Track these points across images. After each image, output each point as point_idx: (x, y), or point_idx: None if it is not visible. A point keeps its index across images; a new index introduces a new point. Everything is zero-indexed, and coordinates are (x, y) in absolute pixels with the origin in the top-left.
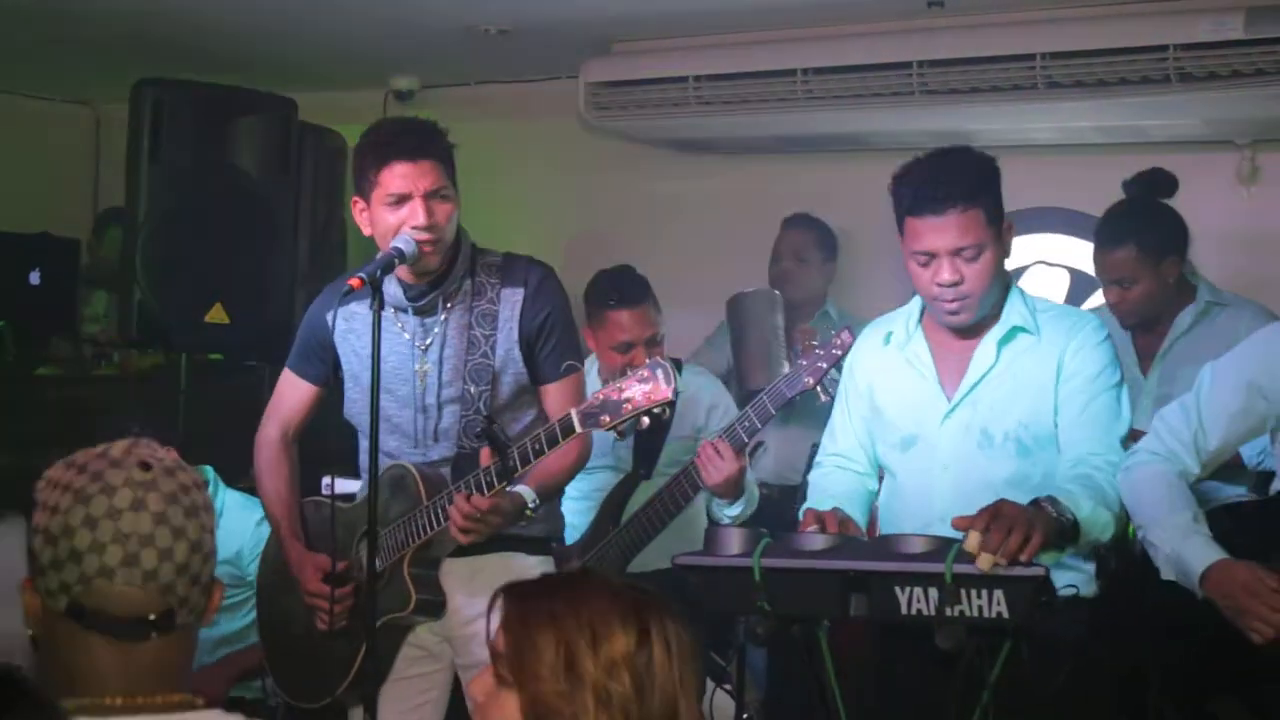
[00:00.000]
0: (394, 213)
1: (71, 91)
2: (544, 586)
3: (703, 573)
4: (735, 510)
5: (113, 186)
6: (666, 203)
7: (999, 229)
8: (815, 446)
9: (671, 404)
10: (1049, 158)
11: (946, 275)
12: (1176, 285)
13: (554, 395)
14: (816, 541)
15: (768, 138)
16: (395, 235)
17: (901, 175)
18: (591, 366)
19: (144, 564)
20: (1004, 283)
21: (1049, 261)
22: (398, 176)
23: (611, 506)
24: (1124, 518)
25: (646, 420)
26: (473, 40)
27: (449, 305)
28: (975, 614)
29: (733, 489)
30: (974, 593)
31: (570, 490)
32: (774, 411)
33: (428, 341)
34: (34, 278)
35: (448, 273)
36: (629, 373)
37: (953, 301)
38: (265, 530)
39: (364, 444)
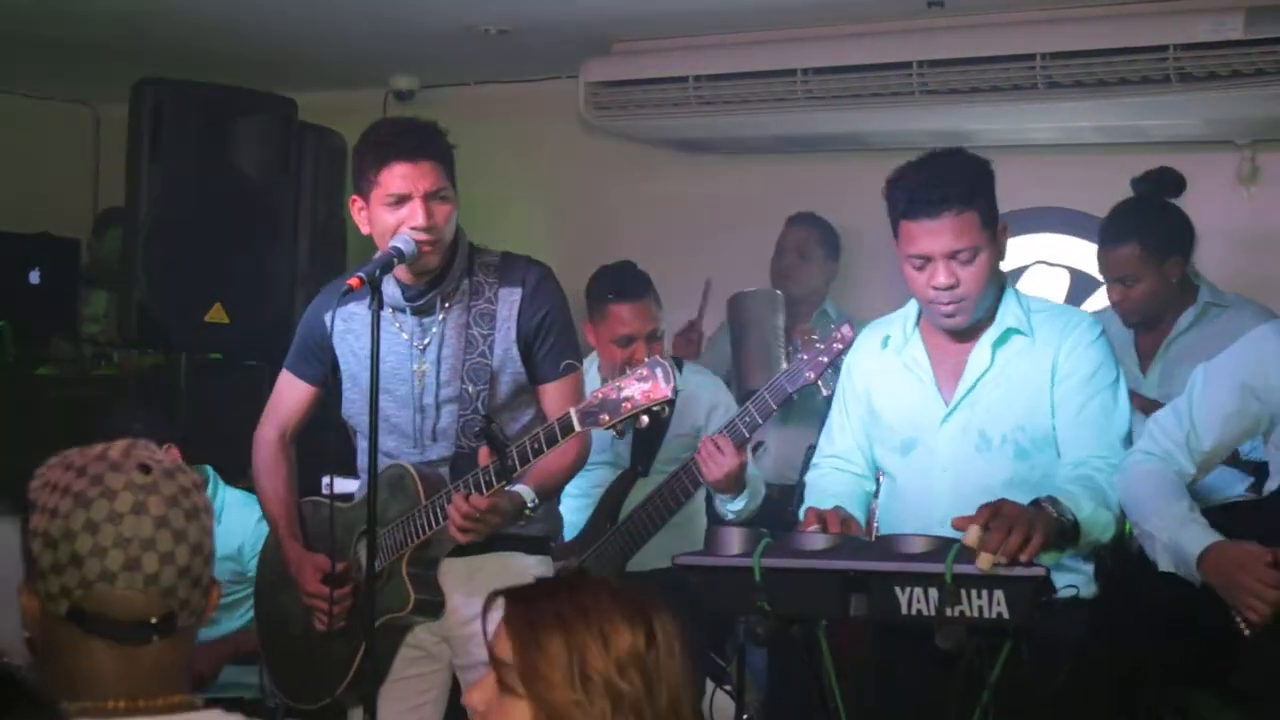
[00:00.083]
0: (393, 213)
1: (71, 91)
2: (545, 590)
3: (703, 573)
4: (738, 505)
5: (113, 186)
6: (666, 203)
7: (994, 231)
8: (811, 449)
9: (671, 402)
10: (1049, 158)
11: (942, 278)
12: (1179, 285)
13: (552, 394)
14: (817, 541)
15: (768, 138)
16: (394, 235)
17: (895, 179)
18: (591, 364)
19: (146, 568)
20: (999, 284)
21: (1049, 261)
22: (397, 177)
23: (609, 504)
24: (1124, 518)
25: (646, 419)
26: (473, 40)
27: (447, 305)
28: (975, 614)
29: (734, 484)
30: (974, 593)
31: (568, 487)
32: (775, 407)
33: (425, 341)
34: (34, 277)
35: (445, 272)
36: (628, 371)
37: (949, 304)
38: (266, 527)
39: (362, 444)
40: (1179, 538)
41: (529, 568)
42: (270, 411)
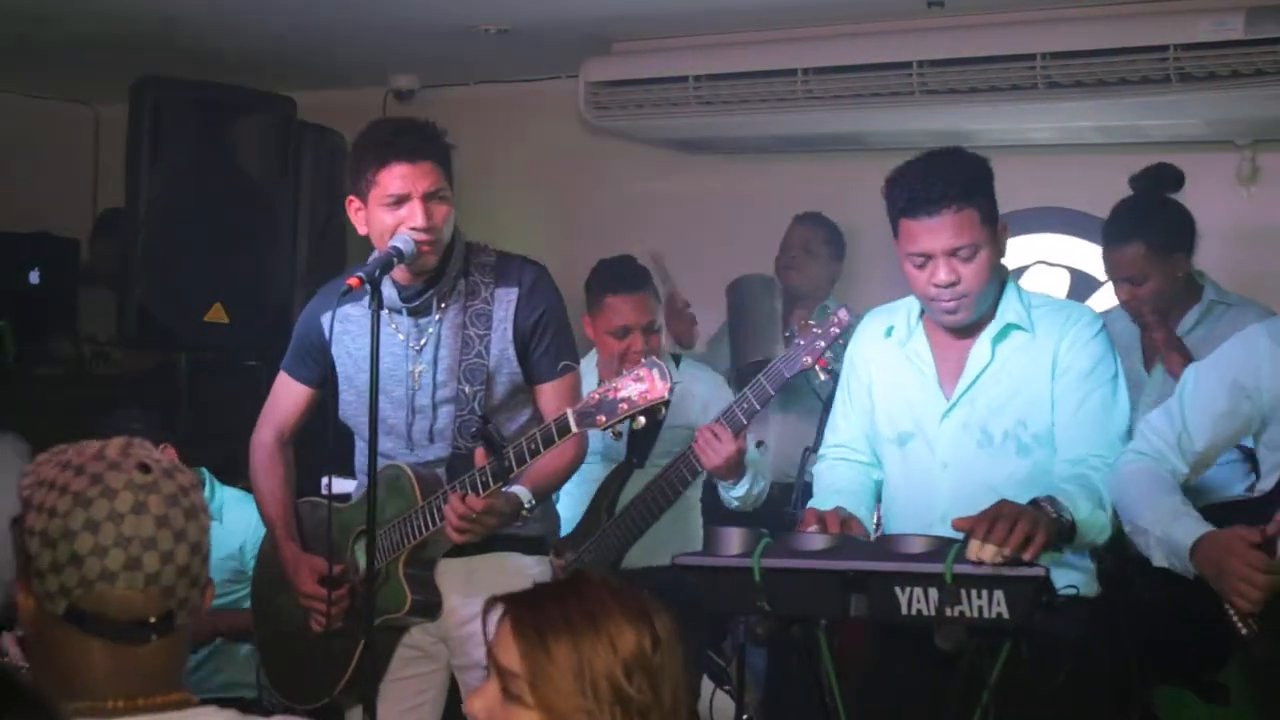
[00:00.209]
0: (392, 213)
1: (71, 91)
2: (549, 595)
3: (703, 573)
4: (740, 491)
5: (112, 186)
6: (666, 202)
7: (994, 229)
8: (808, 450)
9: (667, 403)
10: (1049, 158)
11: (943, 276)
12: (1185, 282)
13: (549, 395)
14: (816, 541)
15: (768, 138)
16: (393, 235)
17: (894, 178)
18: (590, 362)
19: (146, 567)
20: (1001, 281)
21: (1049, 261)
22: (396, 177)
23: (605, 497)
24: (1118, 519)
25: (643, 419)
26: (473, 40)
27: (443, 305)
28: (975, 614)
29: (733, 470)
30: (974, 593)
31: None
32: (773, 392)
33: (422, 342)
34: (33, 277)
35: (442, 273)
36: (624, 372)
37: (950, 301)
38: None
39: (360, 445)
40: (1171, 531)
41: (526, 568)
42: (267, 413)
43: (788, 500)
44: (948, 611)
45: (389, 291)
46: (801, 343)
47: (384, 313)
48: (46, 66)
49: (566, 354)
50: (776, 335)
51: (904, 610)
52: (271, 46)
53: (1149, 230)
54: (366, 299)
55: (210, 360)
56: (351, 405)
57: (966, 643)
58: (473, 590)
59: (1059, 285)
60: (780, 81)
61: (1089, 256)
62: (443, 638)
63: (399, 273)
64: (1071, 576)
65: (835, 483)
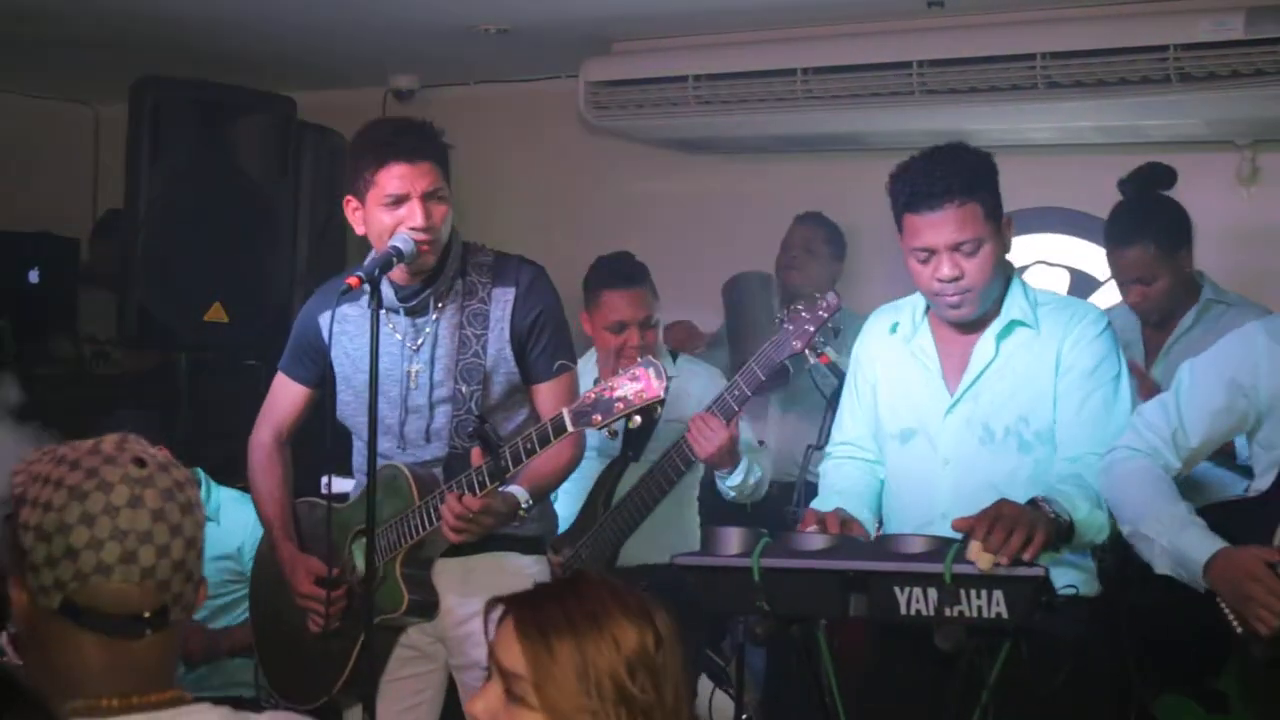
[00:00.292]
0: (391, 213)
1: (71, 91)
2: (550, 595)
3: (702, 573)
4: (735, 480)
5: (112, 186)
6: (666, 202)
7: (998, 224)
8: (810, 448)
9: (662, 401)
10: (1049, 158)
11: (946, 270)
12: (1188, 280)
13: (546, 395)
14: (816, 541)
15: (768, 137)
16: (391, 235)
17: (898, 173)
18: (588, 361)
19: (142, 561)
20: (1005, 277)
21: (1049, 261)
22: (395, 177)
23: (601, 492)
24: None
25: (638, 419)
26: (473, 39)
27: (440, 305)
28: (975, 614)
29: (727, 458)
30: (973, 593)
31: None
32: (763, 377)
33: (419, 342)
34: (33, 277)
35: (439, 272)
36: (620, 372)
37: (954, 296)
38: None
39: (357, 445)
40: (1179, 542)
41: (524, 568)
42: (265, 414)
43: (788, 499)
44: (947, 611)
45: (386, 291)
46: (790, 327)
47: (381, 312)
48: (46, 66)
49: (564, 354)
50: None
51: (903, 610)
52: (271, 46)
53: (1155, 229)
54: (364, 299)
55: (210, 360)
56: (349, 405)
57: (966, 643)
58: (470, 590)
59: (1059, 285)
60: (780, 81)
61: (1089, 256)
62: (440, 637)
63: (397, 273)
64: (1072, 576)
65: (839, 483)
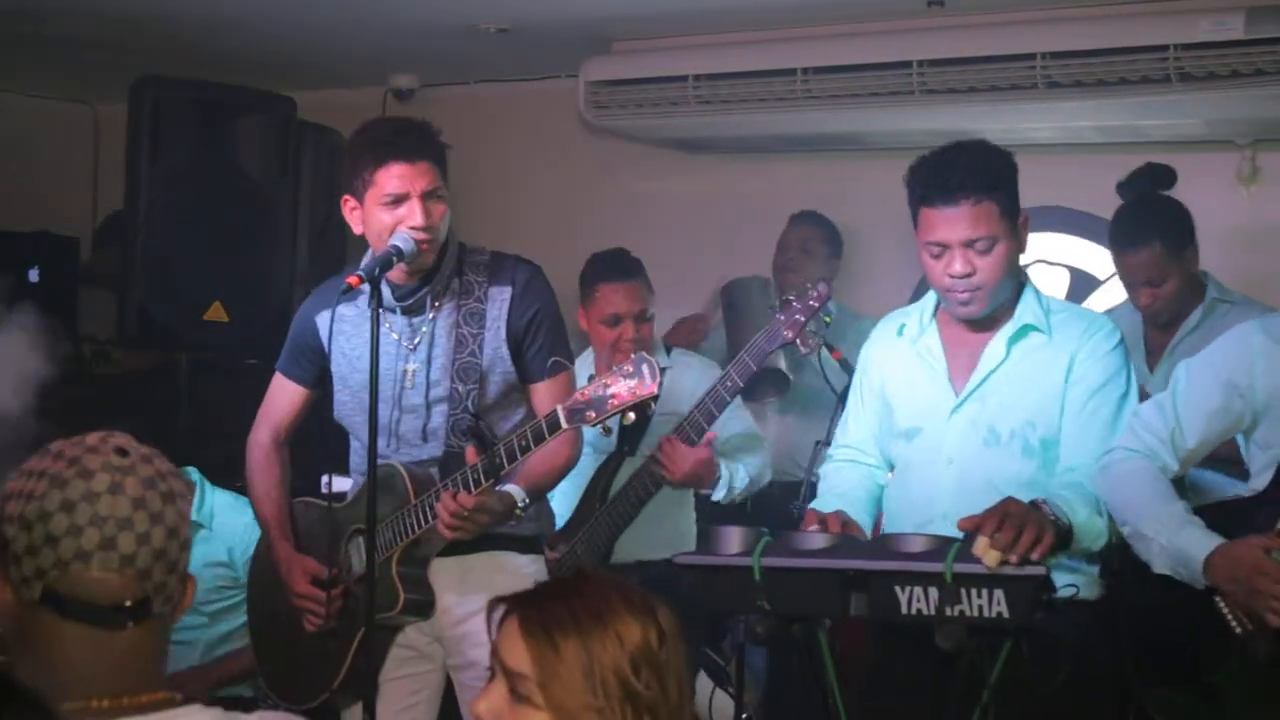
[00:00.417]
0: (390, 212)
1: (71, 91)
2: (553, 593)
3: (702, 572)
4: (719, 494)
5: (112, 186)
6: (666, 202)
7: (1013, 223)
8: (819, 444)
9: (656, 398)
10: (1049, 158)
11: (958, 267)
12: (1194, 278)
13: (542, 394)
14: (816, 540)
15: (767, 137)
16: (391, 234)
17: (917, 166)
18: (585, 361)
19: (121, 548)
20: (1018, 279)
21: (1049, 260)
22: (394, 177)
23: (597, 487)
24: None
25: (633, 415)
26: (473, 39)
27: (437, 304)
28: (975, 614)
29: (699, 480)
30: (974, 592)
31: None
32: (755, 368)
33: (416, 341)
34: (33, 276)
35: (435, 271)
36: (614, 369)
37: (964, 293)
38: (256, 530)
39: (354, 444)
40: (1178, 541)
41: (521, 567)
42: (263, 414)
43: (789, 499)
44: (948, 611)
45: (383, 291)
46: (782, 317)
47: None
48: (46, 66)
49: (560, 353)
50: None
51: (904, 609)
52: (271, 46)
53: (1160, 229)
54: (360, 299)
55: (210, 360)
56: (346, 405)
57: (967, 642)
58: (467, 589)
59: (1059, 284)
60: (780, 81)
61: (1089, 256)
62: (437, 637)
63: (394, 272)
64: (1074, 579)
65: (839, 485)
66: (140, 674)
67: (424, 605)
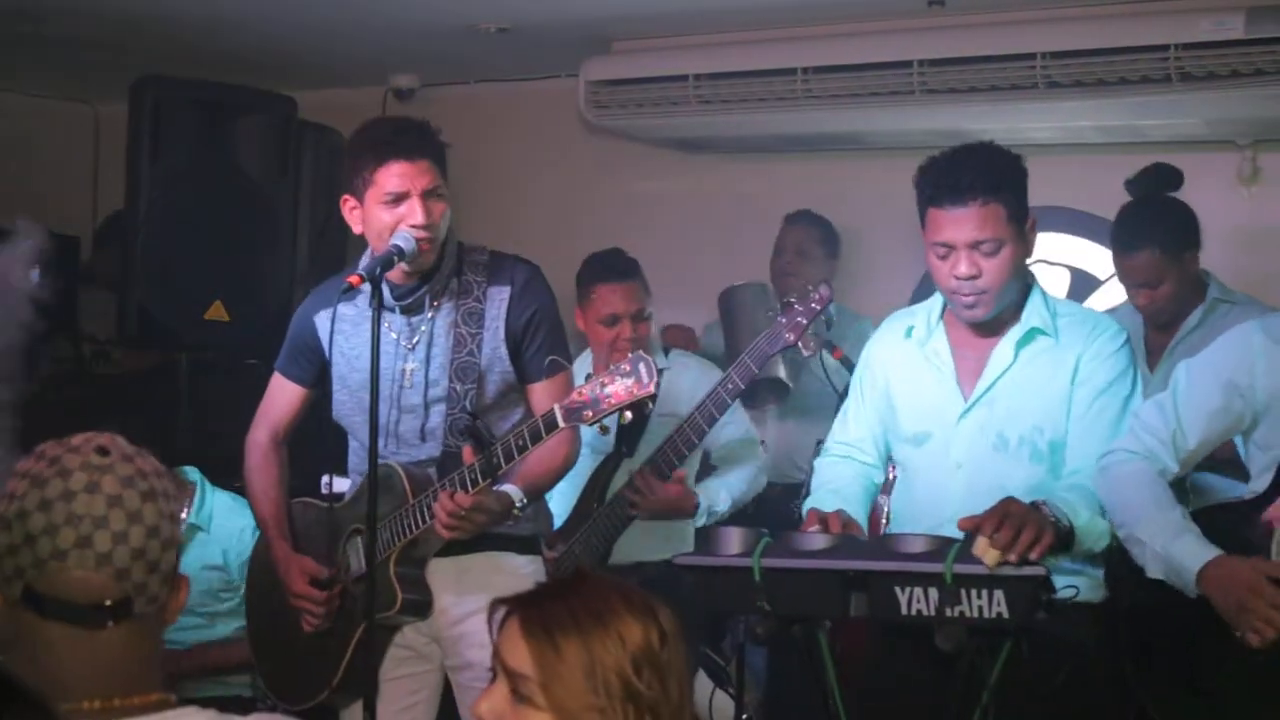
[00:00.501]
0: (390, 211)
1: (71, 91)
2: (552, 594)
3: (702, 572)
4: (699, 523)
5: (112, 186)
6: (666, 202)
7: (1020, 227)
8: (820, 444)
9: (654, 397)
10: (1049, 157)
11: (964, 268)
12: (1195, 280)
13: (540, 394)
14: (816, 541)
15: (768, 137)
16: (391, 234)
17: (927, 166)
18: (584, 362)
19: (97, 546)
20: (1025, 282)
21: (1049, 260)
22: (395, 175)
23: (595, 487)
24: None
25: (630, 415)
26: (473, 38)
27: (435, 304)
28: (975, 614)
29: (673, 514)
30: (974, 593)
31: None
32: (756, 370)
33: (414, 340)
34: (33, 276)
35: (435, 271)
36: (611, 369)
37: (969, 295)
38: (251, 534)
39: (353, 444)
40: (1173, 549)
41: (519, 568)
42: (262, 414)
43: (789, 500)
44: (948, 611)
45: (383, 290)
46: (784, 320)
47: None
48: (46, 66)
49: (558, 353)
50: None
51: (904, 610)
52: (271, 46)
53: (1160, 234)
54: (359, 299)
55: (210, 360)
56: (344, 405)
57: (967, 643)
58: (465, 589)
59: (1059, 284)
60: (780, 81)
61: (1089, 255)
62: (435, 637)
63: (393, 271)
64: (1079, 580)
65: (833, 481)
66: (130, 675)
67: (422, 605)
